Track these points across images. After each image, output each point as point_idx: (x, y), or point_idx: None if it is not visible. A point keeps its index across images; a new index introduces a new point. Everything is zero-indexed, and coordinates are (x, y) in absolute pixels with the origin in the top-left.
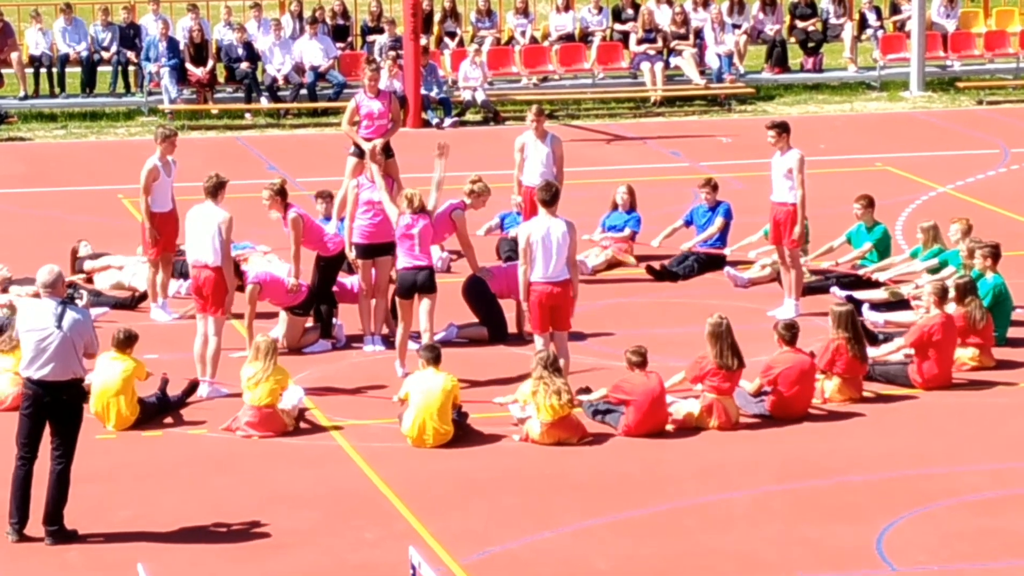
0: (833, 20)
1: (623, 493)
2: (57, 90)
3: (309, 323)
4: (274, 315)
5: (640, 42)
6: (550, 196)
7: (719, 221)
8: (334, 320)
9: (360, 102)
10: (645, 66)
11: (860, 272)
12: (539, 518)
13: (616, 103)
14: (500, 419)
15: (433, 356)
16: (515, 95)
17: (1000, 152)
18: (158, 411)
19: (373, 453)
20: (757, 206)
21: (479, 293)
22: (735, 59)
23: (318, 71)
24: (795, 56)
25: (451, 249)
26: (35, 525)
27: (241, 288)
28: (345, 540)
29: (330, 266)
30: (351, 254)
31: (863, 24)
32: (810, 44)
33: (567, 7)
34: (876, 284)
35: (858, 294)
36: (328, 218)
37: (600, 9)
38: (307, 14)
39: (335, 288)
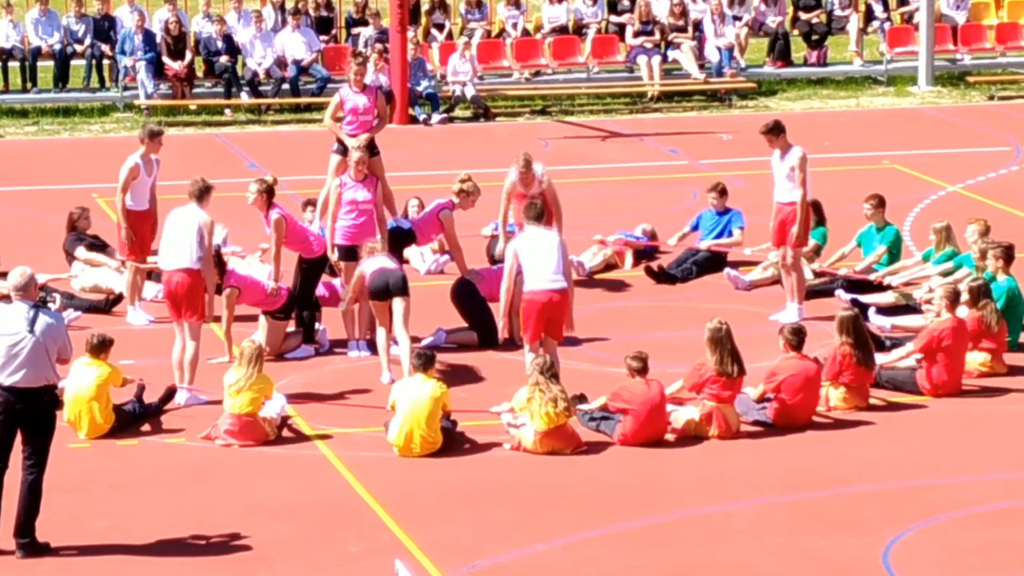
0: (838, 12)
1: (619, 504)
2: (28, 85)
3: (291, 328)
4: (254, 319)
5: (637, 35)
6: (536, 213)
7: (737, 234)
8: (317, 325)
9: (345, 97)
10: (642, 60)
11: (872, 277)
12: (531, 530)
13: (612, 98)
14: (491, 427)
15: (422, 362)
16: (506, 90)
17: (1012, 149)
18: (134, 419)
19: (358, 462)
20: (760, 204)
21: (468, 296)
22: (736, 52)
23: (301, 65)
24: (798, 49)
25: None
26: (6, 538)
27: (219, 290)
28: (329, 553)
29: (313, 268)
30: (333, 256)
31: (869, 16)
32: (814, 37)
33: None
34: (884, 287)
35: (864, 297)
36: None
37: (595, 0)
38: (289, 5)
39: (325, 292)
